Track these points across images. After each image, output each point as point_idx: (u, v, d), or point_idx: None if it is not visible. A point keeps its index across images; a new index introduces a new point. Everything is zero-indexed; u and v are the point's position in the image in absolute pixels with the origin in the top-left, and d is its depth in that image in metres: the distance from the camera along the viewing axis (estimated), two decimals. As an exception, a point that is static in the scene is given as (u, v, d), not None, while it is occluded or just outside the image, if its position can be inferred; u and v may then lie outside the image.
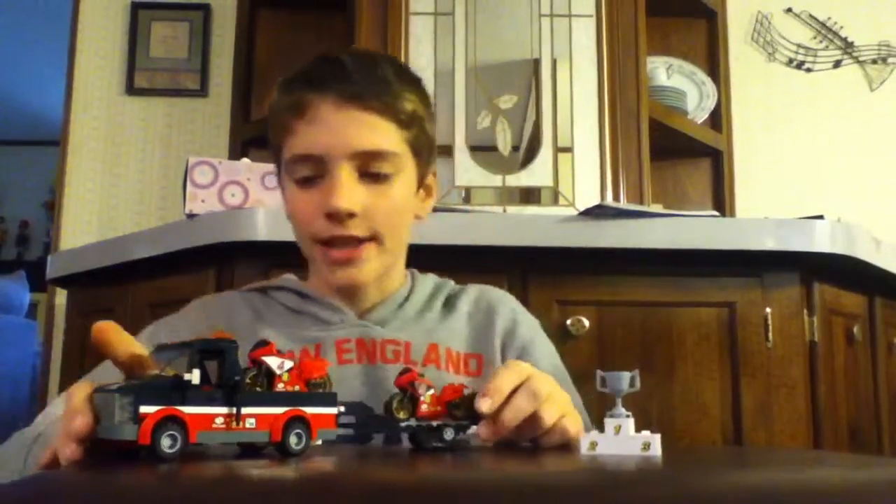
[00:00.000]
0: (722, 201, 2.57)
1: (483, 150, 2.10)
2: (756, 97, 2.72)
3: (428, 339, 1.06)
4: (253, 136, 2.49)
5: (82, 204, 2.65)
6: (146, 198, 2.65)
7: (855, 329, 1.72)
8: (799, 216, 1.65)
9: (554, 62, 2.13)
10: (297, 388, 0.66)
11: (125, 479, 0.55)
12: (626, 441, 0.72)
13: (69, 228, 2.64)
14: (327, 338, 1.04)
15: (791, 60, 2.77)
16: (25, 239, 6.83)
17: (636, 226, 1.56)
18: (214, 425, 0.61)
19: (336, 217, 0.99)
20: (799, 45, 2.78)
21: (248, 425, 0.63)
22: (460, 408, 0.78)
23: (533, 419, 0.80)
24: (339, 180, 0.99)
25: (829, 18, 2.78)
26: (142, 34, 2.70)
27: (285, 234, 1.61)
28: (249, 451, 0.66)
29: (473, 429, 0.79)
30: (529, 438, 0.83)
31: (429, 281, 1.16)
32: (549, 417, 0.81)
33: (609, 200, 2.00)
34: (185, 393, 0.60)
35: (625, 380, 0.75)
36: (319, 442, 0.67)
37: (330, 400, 0.68)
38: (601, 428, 0.73)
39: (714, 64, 2.63)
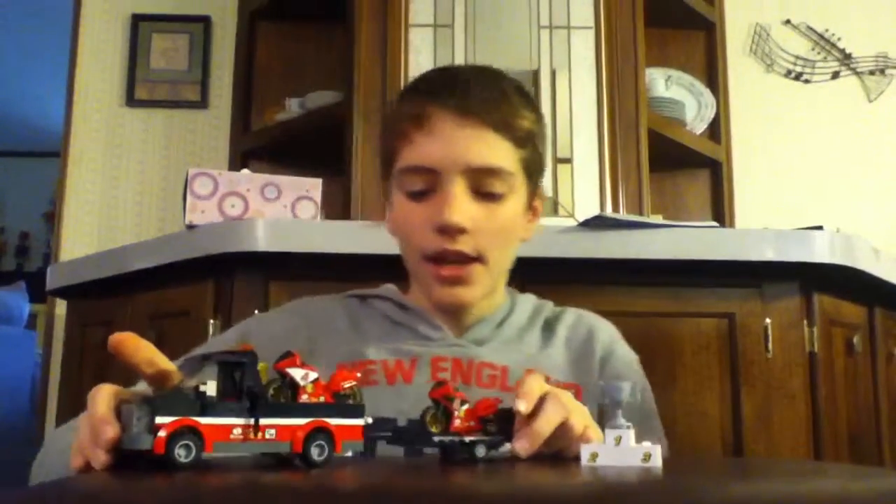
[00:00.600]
0: (721, 212, 2.57)
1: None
2: (754, 108, 2.73)
3: (526, 364, 1.03)
4: (253, 148, 2.49)
5: (82, 215, 2.65)
6: (146, 209, 2.65)
7: (855, 339, 1.72)
8: (798, 227, 1.65)
9: (553, 73, 2.14)
10: (322, 399, 0.66)
11: (129, 485, 0.55)
12: (626, 452, 0.71)
13: (69, 239, 2.64)
14: (425, 353, 1.03)
15: (789, 72, 2.78)
16: (25, 250, 6.83)
17: (636, 237, 1.56)
18: (232, 436, 0.62)
19: (446, 231, 0.98)
20: (797, 57, 2.78)
21: (268, 436, 0.63)
22: (494, 423, 0.78)
23: (563, 428, 0.79)
24: (451, 195, 0.98)
25: (828, 30, 2.79)
26: (142, 46, 2.71)
27: (285, 245, 1.62)
28: (281, 462, 0.66)
29: (507, 446, 0.78)
30: (559, 449, 0.81)
31: (528, 302, 1.14)
32: (578, 425, 0.80)
33: (608, 211, 2.00)
34: (203, 404, 0.61)
35: (625, 390, 0.75)
36: (349, 454, 0.67)
37: (357, 411, 0.68)
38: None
39: (713, 75, 2.64)
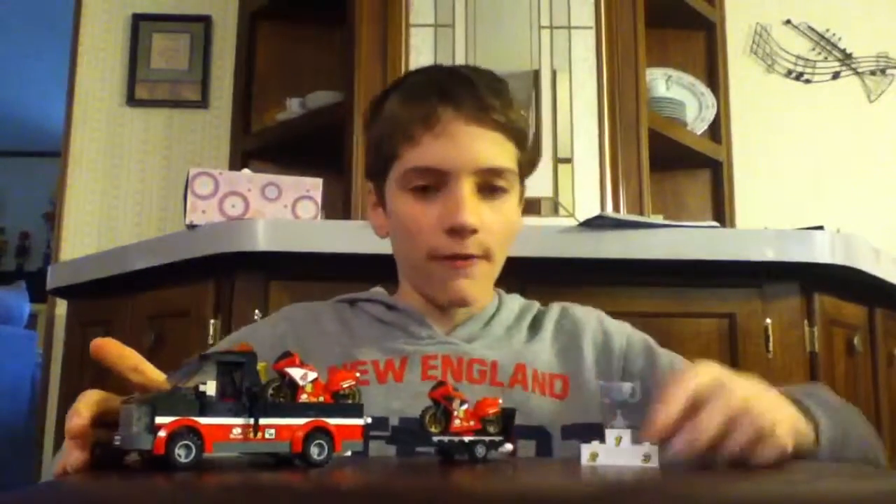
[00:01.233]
0: (722, 212, 2.58)
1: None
2: (755, 108, 2.73)
3: (515, 359, 1.04)
4: (253, 148, 2.49)
5: (82, 215, 2.65)
6: (146, 209, 2.65)
7: (855, 340, 1.72)
8: (798, 227, 1.65)
9: (554, 73, 2.14)
10: (321, 399, 0.67)
11: (129, 485, 0.55)
12: (626, 452, 0.71)
13: (69, 239, 2.64)
14: (415, 352, 1.03)
15: (790, 72, 2.78)
16: (26, 250, 6.83)
17: (636, 237, 1.56)
18: (232, 436, 0.62)
19: (459, 233, 0.99)
20: (798, 57, 2.78)
21: (267, 436, 0.63)
22: (494, 424, 0.78)
23: (734, 426, 0.71)
24: (462, 195, 0.98)
25: (828, 30, 2.79)
26: (143, 46, 2.71)
27: (285, 245, 1.62)
28: (281, 462, 0.66)
29: (507, 447, 0.78)
30: (737, 453, 0.72)
31: (515, 301, 1.15)
32: (762, 424, 0.71)
33: (609, 211, 2.00)
34: (203, 404, 0.61)
35: (625, 390, 0.75)
36: (348, 453, 0.67)
37: (356, 411, 0.68)
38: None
39: (713, 75, 2.64)
